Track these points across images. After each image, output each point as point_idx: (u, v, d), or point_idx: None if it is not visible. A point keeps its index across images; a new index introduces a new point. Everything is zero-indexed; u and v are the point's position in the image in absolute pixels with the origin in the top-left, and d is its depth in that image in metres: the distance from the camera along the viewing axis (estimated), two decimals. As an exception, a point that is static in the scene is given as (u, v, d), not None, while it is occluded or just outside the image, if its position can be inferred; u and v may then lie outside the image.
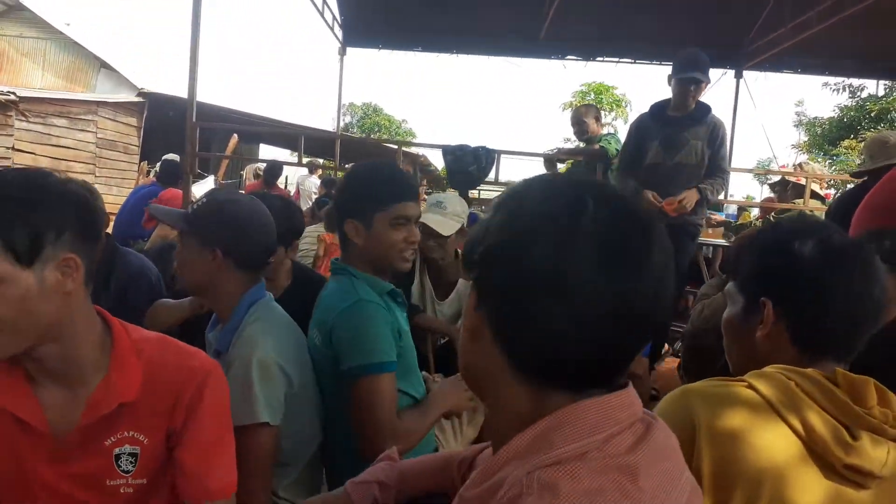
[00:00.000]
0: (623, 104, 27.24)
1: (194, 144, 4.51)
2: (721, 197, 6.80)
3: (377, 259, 1.85)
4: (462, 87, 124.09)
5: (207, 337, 1.87)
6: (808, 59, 9.18)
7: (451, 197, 2.99)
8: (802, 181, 4.90)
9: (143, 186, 6.48)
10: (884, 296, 1.17)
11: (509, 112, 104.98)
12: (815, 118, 27.64)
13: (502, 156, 4.78)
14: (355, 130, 36.11)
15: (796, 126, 28.65)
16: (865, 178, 3.50)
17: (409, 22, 8.92)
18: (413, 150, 14.07)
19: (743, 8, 8.36)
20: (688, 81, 3.68)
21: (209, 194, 1.86)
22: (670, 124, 3.81)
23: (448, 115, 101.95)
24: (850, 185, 7.04)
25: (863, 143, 20.31)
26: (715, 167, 3.85)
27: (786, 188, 5.09)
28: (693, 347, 3.07)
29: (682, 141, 3.76)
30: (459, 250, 3.01)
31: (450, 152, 4.61)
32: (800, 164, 5.53)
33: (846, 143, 24.72)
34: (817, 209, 4.71)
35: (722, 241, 5.09)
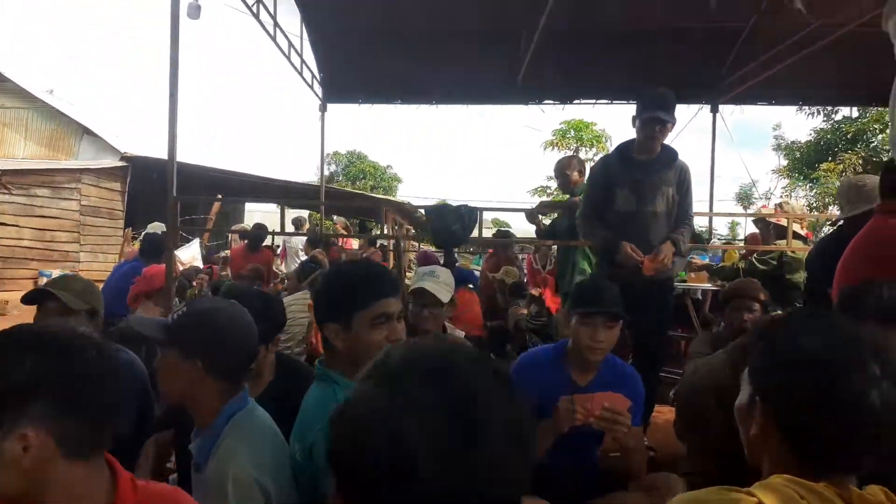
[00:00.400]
0: (603, 139, 27.54)
1: (176, 218, 4.47)
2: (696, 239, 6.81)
3: (360, 362, 1.78)
4: (445, 131, 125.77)
5: (190, 447, 1.81)
6: (780, 91, 9.34)
7: (440, 268, 2.99)
8: (783, 221, 4.92)
9: (125, 262, 6.42)
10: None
11: (492, 153, 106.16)
12: (793, 142, 28.06)
13: (486, 208, 4.77)
14: (341, 178, 36.30)
15: (775, 150, 29.07)
16: (841, 224, 3.50)
17: (387, 76, 9.02)
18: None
19: (715, 44, 8.51)
20: (652, 122, 3.42)
21: (189, 305, 1.83)
22: (639, 169, 3.58)
23: (432, 158, 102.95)
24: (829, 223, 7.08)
25: (840, 166, 20.59)
26: (683, 214, 3.65)
27: (768, 227, 5.09)
28: (686, 409, 3.01)
29: (653, 187, 3.54)
30: (446, 324, 2.97)
31: (432, 212, 4.60)
32: (780, 204, 5.56)
33: (825, 165, 25.05)
34: (800, 249, 4.72)
35: (709, 286, 5.07)
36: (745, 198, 31.80)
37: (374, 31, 8.13)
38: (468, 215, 4.49)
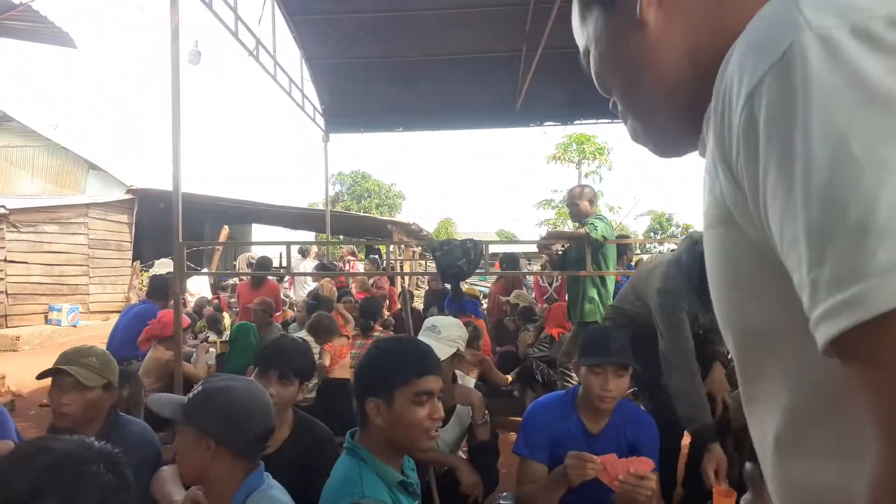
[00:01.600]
0: (605, 152, 27.65)
1: (183, 263, 4.50)
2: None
3: (399, 439, 1.75)
4: (450, 147, 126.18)
5: None
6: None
7: (447, 321, 2.97)
8: None
9: (134, 305, 6.47)
10: None
11: (497, 167, 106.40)
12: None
13: (492, 242, 4.79)
14: (346, 198, 36.49)
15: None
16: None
17: (387, 105, 9.11)
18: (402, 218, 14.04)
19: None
20: None
21: (205, 383, 1.84)
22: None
23: (437, 174, 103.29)
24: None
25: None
26: None
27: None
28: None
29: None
30: (456, 372, 2.98)
31: (437, 248, 4.61)
32: None
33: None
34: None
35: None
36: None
37: (372, 62, 8.23)
38: (473, 249, 4.51)
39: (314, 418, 2.55)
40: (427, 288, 9.99)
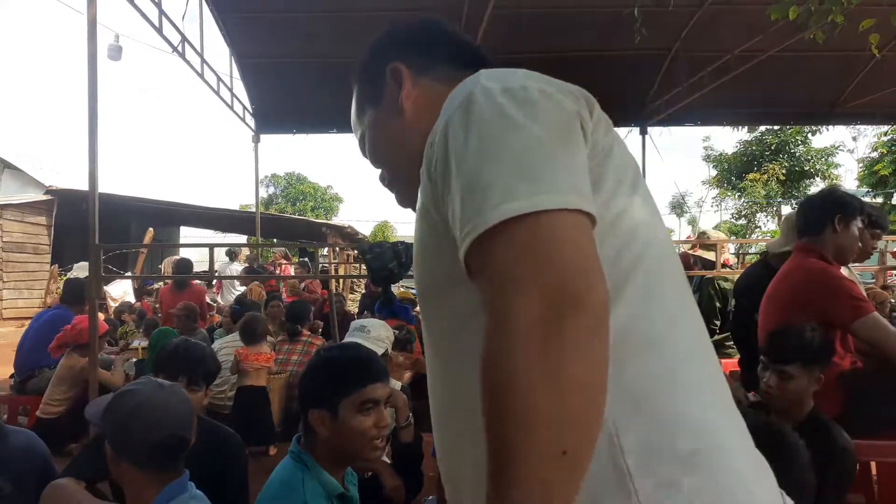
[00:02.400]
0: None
1: (99, 266, 4.30)
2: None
3: (344, 449, 1.72)
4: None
5: None
6: (705, 112, 9.72)
7: (375, 322, 2.95)
8: (709, 255, 5.14)
9: (46, 310, 6.14)
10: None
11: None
12: (721, 154, 29.18)
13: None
14: (280, 201, 35.82)
15: (705, 161, 30.17)
16: (766, 254, 3.64)
17: (320, 106, 8.98)
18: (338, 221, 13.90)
19: (643, 71, 8.82)
20: None
21: (117, 392, 1.77)
22: None
23: (375, 176, 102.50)
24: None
25: (765, 176, 21.49)
26: None
27: (693, 262, 5.28)
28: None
29: None
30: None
31: (368, 251, 4.56)
32: (702, 233, 5.76)
33: (751, 176, 26.19)
34: (720, 273, 4.95)
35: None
36: (677, 206, 32.87)
37: (305, 63, 8.10)
38: (405, 252, 4.49)
39: (221, 424, 2.47)
40: (364, 292, 9.89)
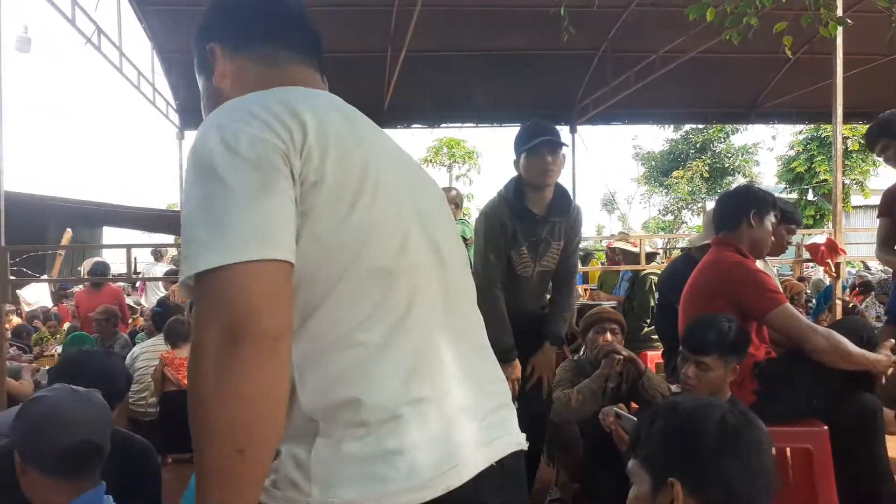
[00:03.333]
0: (475, 156, 28.31)
1: (5, 269, 4.06)
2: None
3: None
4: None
5: None
6: (632, 112, 9.97)
7: None
8: (628, 246, 5.29)
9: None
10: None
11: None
12: (648, 152, 30.06)
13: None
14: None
15: (635, 159, 31.04)
16: (689, 249, 3.74)
17: (249, 101, 8.78)
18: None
19: (572, 70, 8.97)
20: (542, 147, 2.85)
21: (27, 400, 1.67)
22: (537, 223, 2.94)
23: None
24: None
25: (689, 173, 22.37)
26: (569, 272, 3.10)
27: (615, 253, 5.40)
28: (556, 436, 3.09)
29: (545, 244, 2.96)
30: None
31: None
32: (623, 233, 5.93)
33: (676, 173, 27.09)
34: (653, 268, 5.07)
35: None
36: (608, 203, 33.69)
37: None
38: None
39: (133, 435, 2.35)
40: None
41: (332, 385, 0.93)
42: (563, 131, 10.28)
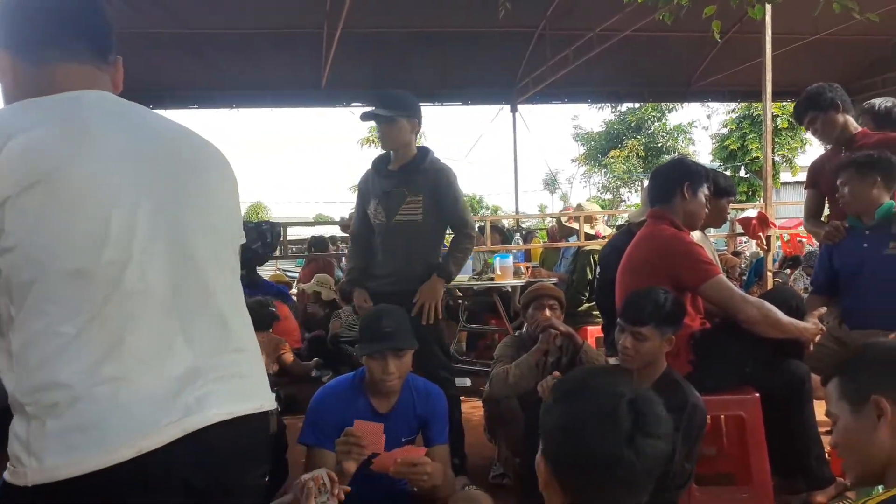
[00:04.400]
0: (420, 138, 28.13)
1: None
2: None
3: None
4: (262, 129, 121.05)
5: None
6: (571, 91, 10.03)
7: None
8: (573, 223, 5.35)
9: None
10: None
11: (316, 151, 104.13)
12: (589, 132, 30.49)
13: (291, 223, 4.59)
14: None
15: (575, 139, 31.44)
16: (629, 224, 3.78)
17: (179, 79, 8.47)
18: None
19: (511, 49, 8.95)
20: (376, 120, 3.18)
21: None
22: (388, 177, 3.26)
23: (247, 157, 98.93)
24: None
25: (625, 152, 22.86)
26: (458, 223, 3.29)
27: (563, 228, 5.44)
28: (497, 415, 3.09)
29: (398, 196, 3.20)
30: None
31: (231, 231, 4.32)
32: (579, 205, 5.97)
33: (613, 152, 27.62)
34: (594, 244, 5.16)
35: (516, 282, 5.28)
36: (550, 183, 34.08)
37: (159, 33, 7.55)
38: (270, 232, 4.29)
39: None
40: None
41: (35, 371, 1.07)
42: (504, 111, 10.34)
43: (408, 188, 3.21)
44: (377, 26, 8.01)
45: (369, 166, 3.42)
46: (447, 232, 3.44)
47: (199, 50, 7.92)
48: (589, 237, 5.39)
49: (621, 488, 1.13)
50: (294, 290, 8.77)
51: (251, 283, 4.91)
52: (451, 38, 8.40)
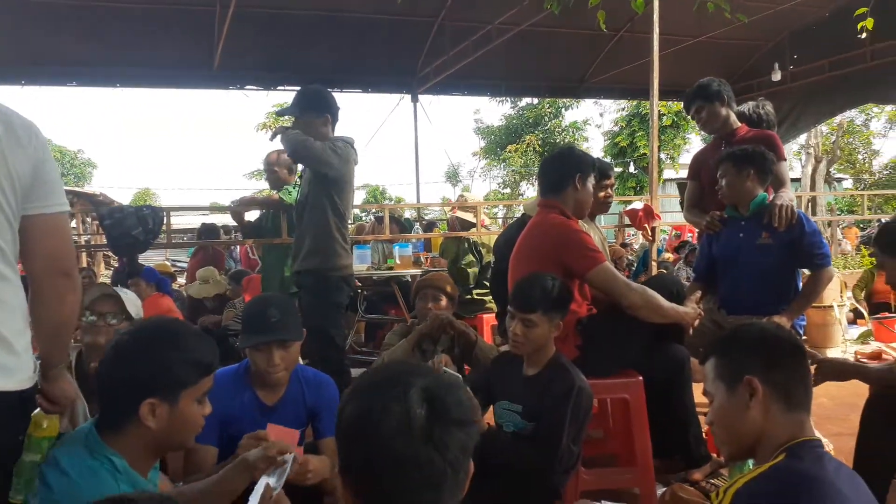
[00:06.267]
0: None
1: None
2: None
3: (168, 442, 1.61)
4: (152, 111, 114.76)
5: None
6: (471, 83, 10.11)
7: (129, 295, 2.61)
8: (464, 216, 5.47)
9: None
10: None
11: (209, 137, 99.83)
12: (489, 126, 30.92)
13: (175, 209, 4.32)
14: (17, 167, 31.11)
15: (476, 133, 31.76)
16: (525, 215, 3.82)
17: (59, 55, 7.86)
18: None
19: (412, 37, 8.90)
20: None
21: None
22: None
23: (135, 141, 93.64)
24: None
25: (523, 146, 23.39)
26: None
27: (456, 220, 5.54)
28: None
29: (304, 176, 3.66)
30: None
31: (107, 216, 4.02)
32: (461, 196, 6.06)
33: (510, 147, 28.18)
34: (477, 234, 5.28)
35: (416, 271, 5.26)
36: (452, 176, 34.35)
37: (33, 4, 6.96)
38: (152, 217, 4.03)
39: None
40: (117, 266, 8.90)
41: None
42: (405, 100, 10.29)
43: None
44: (272, 6, 7.75)
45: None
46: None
47: (79, 23, 7.37)
48: (469, 225, 5.51)
49: (428, 491, 0.99)
50: (182, 282, 8.37)
51: (132, 272, 4.62)
52: (350, 23, 8.25)
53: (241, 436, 2.21)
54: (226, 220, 10.27)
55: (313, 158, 3.40)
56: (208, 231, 7.44)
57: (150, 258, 10.20)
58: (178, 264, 10.51)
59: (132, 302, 2.53)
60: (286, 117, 3.44)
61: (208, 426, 2.25)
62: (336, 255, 3.48)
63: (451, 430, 0.99)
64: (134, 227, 3.94)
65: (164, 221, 4.11)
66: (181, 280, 8.75)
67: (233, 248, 8.79)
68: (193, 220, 11.20)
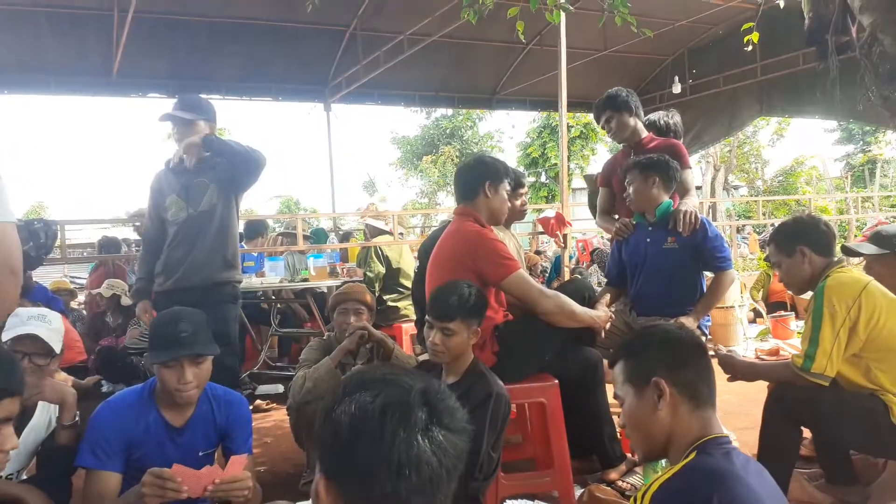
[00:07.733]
0: (223, 131, 26.80)
1: None
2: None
3: None
4: (60, 122, 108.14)
5: None
6: (384, 93, 10.06)
7: (52, 313, 2.45)
8: (378, 223, 5.43)
9: None
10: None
11: (109, 148, 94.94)
12: (404, 136, 30.97)
13: (69, 225, 4.07)
14: None
15: (392, 143, 31.73)
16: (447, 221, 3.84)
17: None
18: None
19: (323, 46, 8.80)
20: (169, 119, 3.30)
21: None
22: (184, 174, 3.32)
23: (31, 159, 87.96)
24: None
25: (441, 158, 23.56)
26: None
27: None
28: (299, 419, 2.96)
29: (201, 187, 3.29)
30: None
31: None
32: (372, 203, 6.04)
33: (428, 158, 28.34)
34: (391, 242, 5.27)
35: (331, 282, 5.16)
36: (369, 186, 34.18)
37: None
38: (44, 231, 3.78)
39: None
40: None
41: None
42: (318, 109, 10.14)
43: (207, 178, 3.31)
44: (174, 13, 7.48)
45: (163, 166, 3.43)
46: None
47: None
48: (379, 232, 5.50)
49: (421, 496, 0.96)
50: (81, 298, 7.88)
51: (25, 289, 4.30)
52: (256, 31, 8.06)
53: (148, 460, 2.10)
54: (127, 233, 9.78)
55: (263, 161, 3.33)
56: (109, 244, 7.05)
57: (48, 275, 9.59)
58: (77, 281, 9.89)
59: (56, 331, 2.39)
60: (183, 120, 3.18)
61: (111, 451, 2.13)
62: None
63: (450, 435, 0.97)
64: (24, 241, 3.68)
65: (58, 236, 3.86)
66: (81, 297, 8.24)
67: (135, 262, 8.37)
68: (93, 235, 10.61)
